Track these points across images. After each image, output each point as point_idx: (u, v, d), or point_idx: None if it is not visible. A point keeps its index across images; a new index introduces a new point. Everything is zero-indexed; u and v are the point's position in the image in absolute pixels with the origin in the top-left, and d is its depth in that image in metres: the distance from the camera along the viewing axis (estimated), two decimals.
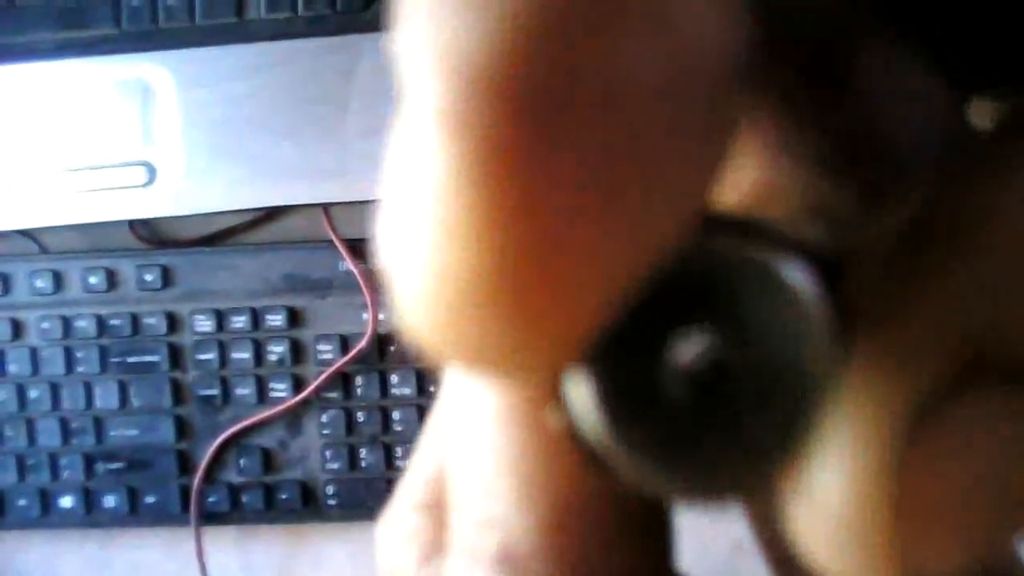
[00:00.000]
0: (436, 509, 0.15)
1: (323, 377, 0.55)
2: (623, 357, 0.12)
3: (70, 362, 0.57)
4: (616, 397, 0.12)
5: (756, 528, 0.16)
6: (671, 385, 0.12)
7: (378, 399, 0.56)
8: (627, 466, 0.11)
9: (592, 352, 0.11)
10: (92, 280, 0.57)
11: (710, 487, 0.11)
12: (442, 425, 0.15)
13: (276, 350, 0.56)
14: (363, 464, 0.56)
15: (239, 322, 0.56)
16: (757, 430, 0.12)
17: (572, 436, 0.11)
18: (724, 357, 0.12)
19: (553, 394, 0.11)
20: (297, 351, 0.56)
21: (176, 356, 0.57)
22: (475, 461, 0.13)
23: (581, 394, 0.11)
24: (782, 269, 0.11)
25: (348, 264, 0.55)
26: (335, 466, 0.56)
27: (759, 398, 0.12)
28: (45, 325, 0.57)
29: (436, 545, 0.14)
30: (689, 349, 0.12)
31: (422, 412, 0.56)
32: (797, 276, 0.11)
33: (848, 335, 0.11)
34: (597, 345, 0.11)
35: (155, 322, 0.56)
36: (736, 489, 0.12)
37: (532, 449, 0.12)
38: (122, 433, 0.57)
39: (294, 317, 0.56)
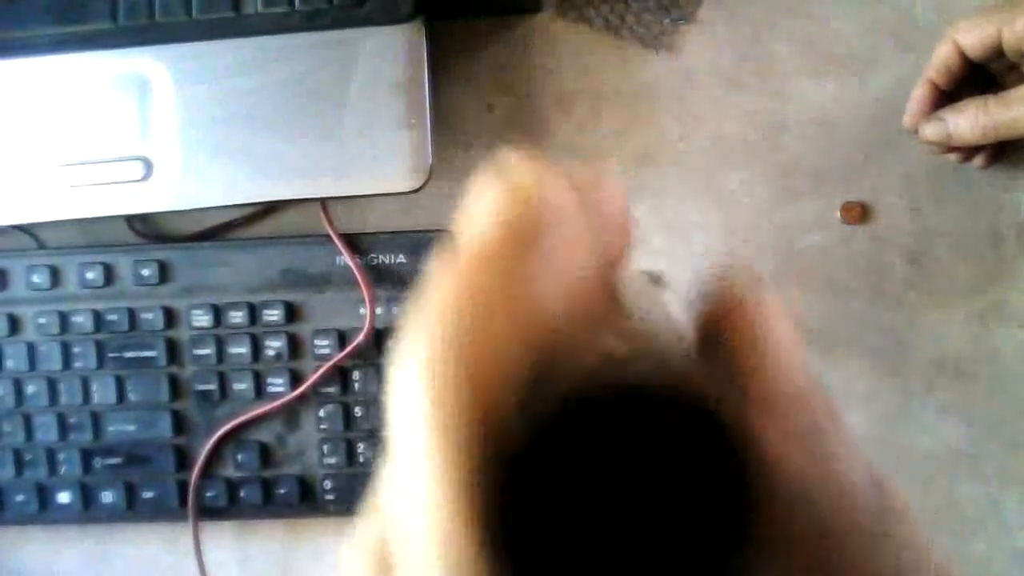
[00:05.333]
0: (383, 562, 0.15)
1: (321, 372, 0.55)
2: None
3: (67, 357, 0.57)
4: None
5: None
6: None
7: (376, 393, 0.56)
8: None
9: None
10: (89, 275, 0.57)
11: None
12: (389, 493, 0.15)
13: (274, 345, 0.56)
14: (361, 458, 0.56)
15: (236, 317, 0.56)
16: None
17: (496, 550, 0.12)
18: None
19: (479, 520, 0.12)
20: (295, 346, 0.56)
21: (173, 351, 0.57)
22: (411, 548, 0.14)
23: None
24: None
25: (346, 259, 0.55)
26: (333, 461, 0.56)
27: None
28: (42, 320, 0.57)
29: None
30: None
31: None
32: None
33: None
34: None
35: (152, 317, 0.56)
36: None
37: (461, 555, 0.13)
38: (120, 428, 0.57)
39: (292, 312, 0.56)
